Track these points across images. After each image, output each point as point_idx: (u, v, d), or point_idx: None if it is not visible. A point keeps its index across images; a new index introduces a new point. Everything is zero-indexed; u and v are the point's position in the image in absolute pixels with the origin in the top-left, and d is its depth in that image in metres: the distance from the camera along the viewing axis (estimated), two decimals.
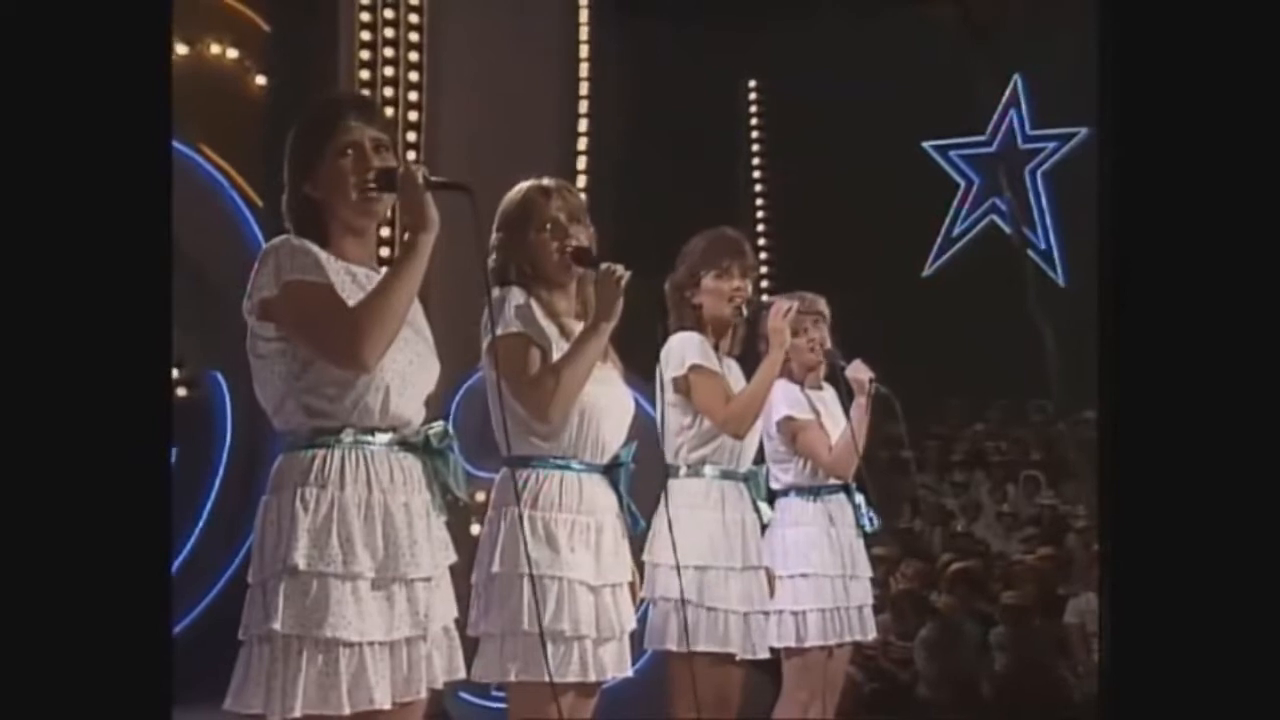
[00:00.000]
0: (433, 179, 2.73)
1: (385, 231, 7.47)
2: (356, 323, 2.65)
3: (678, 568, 3.69)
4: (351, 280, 2.75)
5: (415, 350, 2.78)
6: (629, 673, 3.35)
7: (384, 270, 2.84)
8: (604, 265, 3.30)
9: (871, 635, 4.71)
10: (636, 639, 3.57)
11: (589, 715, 3.35)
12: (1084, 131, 12.72)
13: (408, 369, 2.75)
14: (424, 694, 2.73)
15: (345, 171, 2.76)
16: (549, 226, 3.34)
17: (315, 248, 2.75)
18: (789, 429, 4.56)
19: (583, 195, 3.56)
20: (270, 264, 2.72)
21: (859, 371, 4.63)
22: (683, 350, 4.10)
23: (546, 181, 3.44)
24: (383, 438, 2.73)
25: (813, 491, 4.59)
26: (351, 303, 2.71)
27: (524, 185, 3.44)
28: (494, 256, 3.38)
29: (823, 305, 4.72)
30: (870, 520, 4.65)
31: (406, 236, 2.74)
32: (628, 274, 3.28)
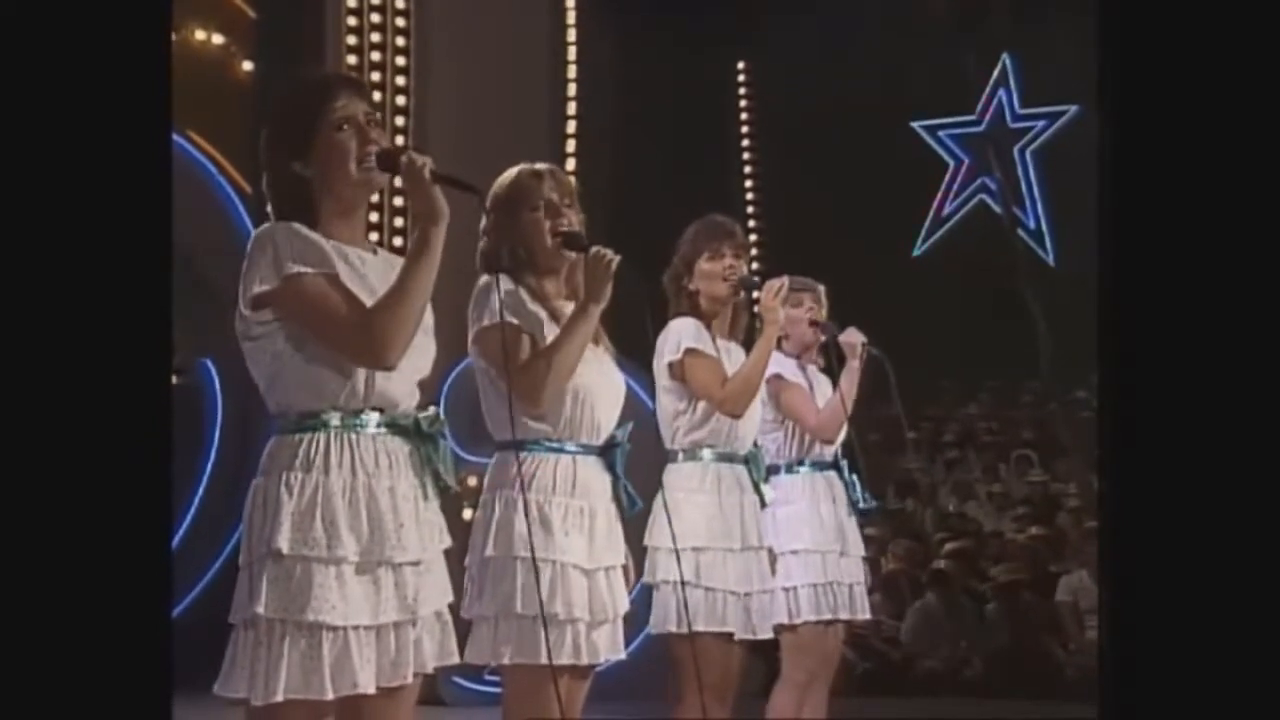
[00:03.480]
0: (440, 173, 2.71)
1: (374, 216, 7.48)
2: (377, 324, 2.64)
3: (676, 552, 3.72)
4: (344, 262, 2.73)
5: None
6: (622, 655, 3.37)
7: (377, 252, 2.83)
8: (594, 249, 3.31)
9: (864, 615, 4.73)
10: (638, 621, 3.59)
11: (582, 697, 3.37)
12: (1073, 109, 12.73)
13: None
14: (411, 678, 2.73)
15: (344, 146, 2.73)
16: (542, 205, 3.35)
17: (308, 230, 2.72)
18: (775, 387, 4.58)
19: (572, 179, 3.57)
20: (267, 253, 2.68)
21: (852, 336, 4.66)
22: (678, 335, 4.12)
23: (538, 165, 3.44)
24: (371, 420, 2.72)
25: (800, 464, 4.62)
26: (347, 286, 2.69)
27: (514, 169, 3.45)
28: (485, 240, 3.39)
29: (820, 290, 4.76)
30: (865, 498, 4.67)
31: (417, 230, 2.71)
32: (618, 258, 3.29)
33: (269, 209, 2.79)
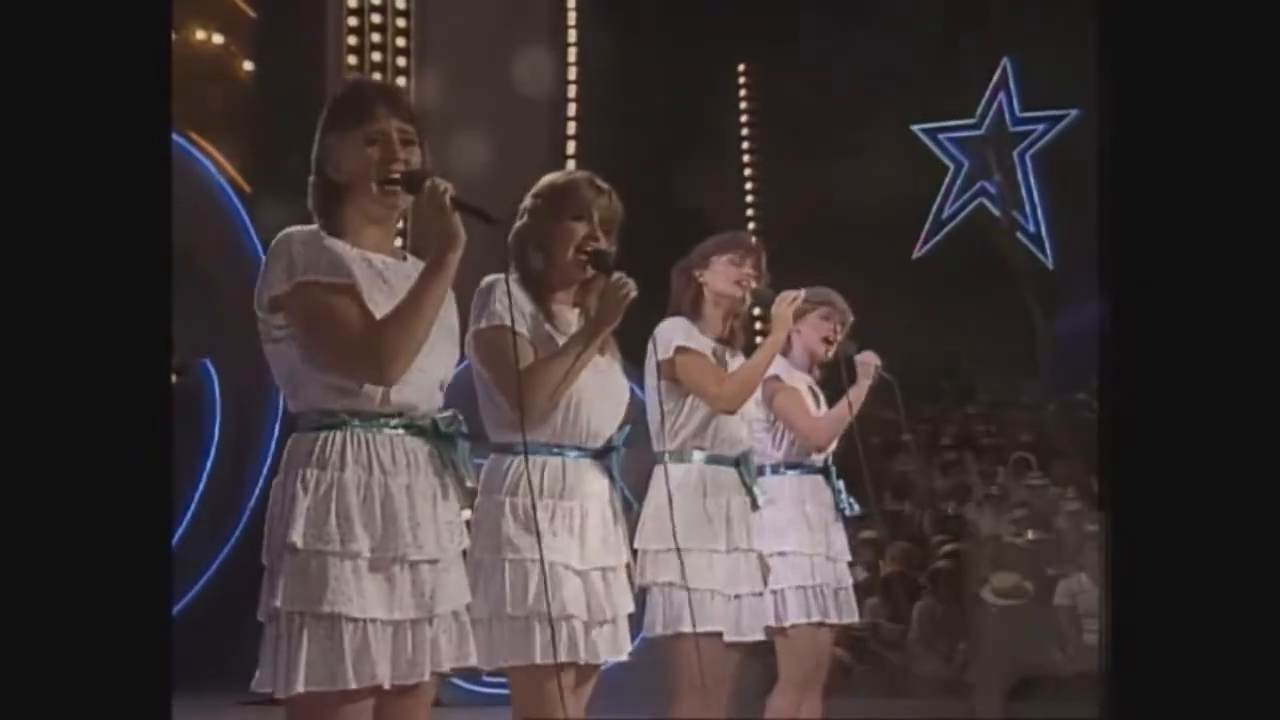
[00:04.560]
0: (461, 200, 2.72)
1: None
2: (381, 341, 2.66)
3: (638, 552, 3.73)
4: (369, 267, 2.75)
5: (429, 337, 2.77)
6: (624, 656, 3.36)
7: (406, 258, 2.84)
8: (617, 275, 3.30)
9: (850, 619, 4.74)
10: (637, 622, 3.59)
11: (586, 698, 3.36)
12: (1073, 113, 12.74)
13: (418, 355, 2.74)
14: (428, 676, 2.74)
15: (369, 161, 2.75)
16: (585, 218, 3.34)
17: (331, 239, 2.74)
18: (771, 388, 4.59)
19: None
20: (283, 259, 2.71)
21: (868, 357, 4.69)
22: (669, 334, 4.13)
23: (602, 182, 3.44)
24: (389, 422, 2.74)
25: (789, 467, 4.63)
26: (370, 293, 2.71)
27: (581, 173, 3.45)
28: (522, 220, 3.37)
29: (849, 315, 4.77)
30: (850, 505, 4.68)
31: (433, 253, 2.73)
32: (635, 293, 3.28)
33: (310, 205, 2.81)
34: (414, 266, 2.82)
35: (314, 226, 2.77)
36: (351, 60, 8.15)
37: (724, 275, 4.18)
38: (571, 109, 8.98)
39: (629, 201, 3.43)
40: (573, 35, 9.03)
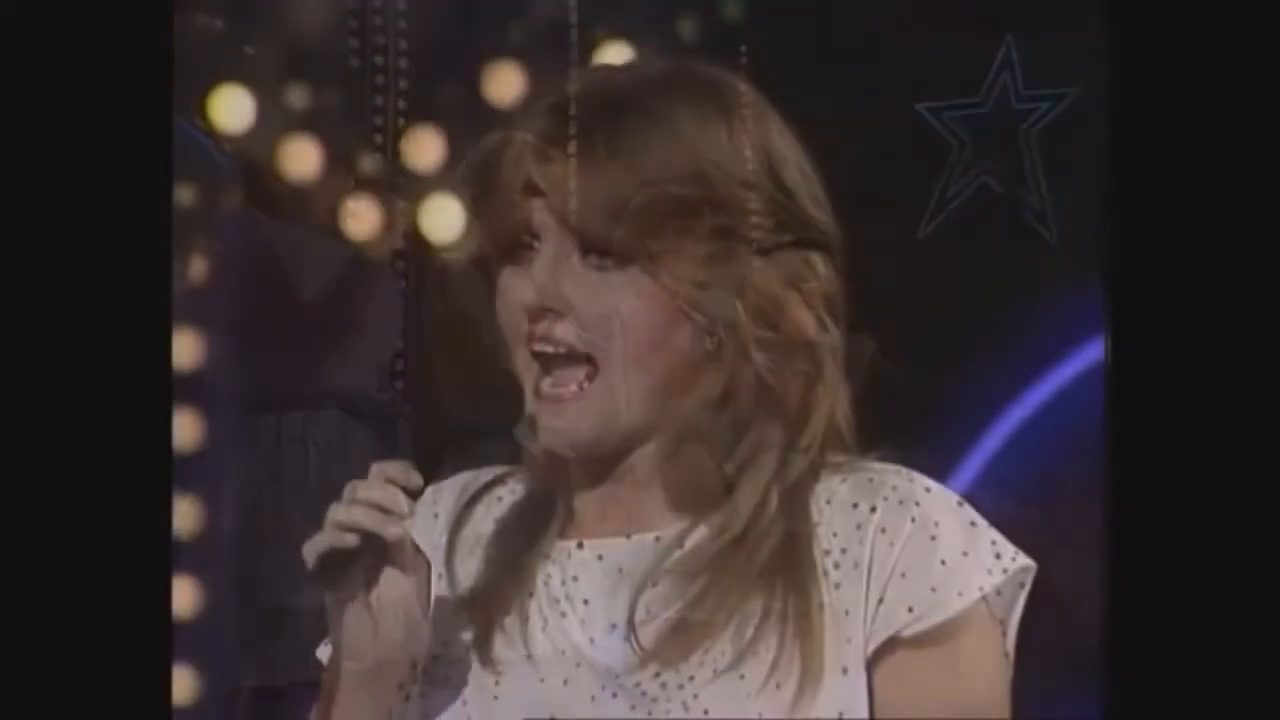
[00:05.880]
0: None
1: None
2: None
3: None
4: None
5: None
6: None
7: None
8: None
9: None
10: None
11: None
12: (1078, 90, 12.71)
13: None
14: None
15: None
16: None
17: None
18: None
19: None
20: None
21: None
22: None
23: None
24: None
25: None
26: None
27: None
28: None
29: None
30: None
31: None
32: None
33: None
34: None
35: None
36: (353, 44, 8.14)
37: None
38: (573, 89, 8.96)
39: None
40: (574, 17, 9.02)
